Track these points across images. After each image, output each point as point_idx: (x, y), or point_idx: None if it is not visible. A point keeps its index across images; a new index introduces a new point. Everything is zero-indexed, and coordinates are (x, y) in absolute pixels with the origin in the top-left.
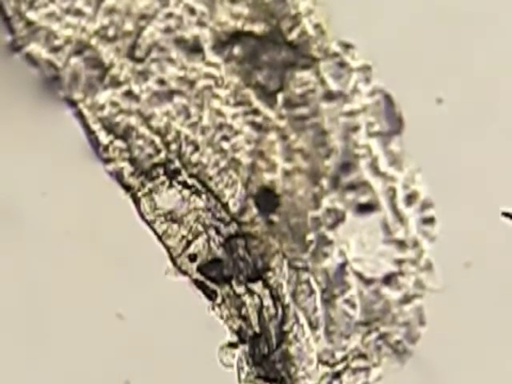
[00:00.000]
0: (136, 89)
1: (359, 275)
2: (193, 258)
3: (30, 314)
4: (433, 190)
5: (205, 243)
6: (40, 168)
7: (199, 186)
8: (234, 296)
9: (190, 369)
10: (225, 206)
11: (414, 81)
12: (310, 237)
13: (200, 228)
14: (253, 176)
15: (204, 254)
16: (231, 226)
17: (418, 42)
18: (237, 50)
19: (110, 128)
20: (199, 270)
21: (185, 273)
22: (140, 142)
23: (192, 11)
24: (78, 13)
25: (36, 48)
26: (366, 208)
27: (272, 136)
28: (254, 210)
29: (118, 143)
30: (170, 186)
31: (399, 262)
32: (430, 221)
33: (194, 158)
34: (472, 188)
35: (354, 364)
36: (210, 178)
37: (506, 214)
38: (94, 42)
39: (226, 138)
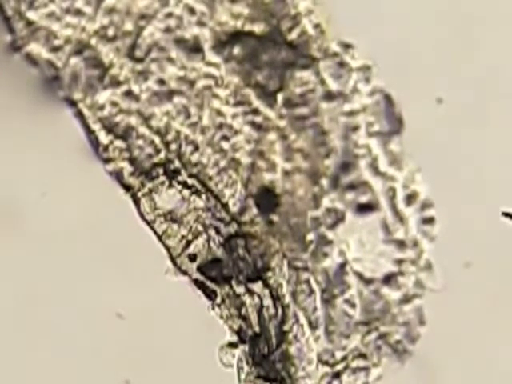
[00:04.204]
0: (136, 89)
1: (359, 275)
2: (193, 257)
3: (29, 313)
4: (433, 189)
5: (205, 243)
6: (40, 168)
7: (199, 186)
8: (234, 296)
9: (190, 369)
10: (225, 205)
11: (413, 81)
12: (310, 237)
13: (200, 228)
14: (253, 176)
15: (204, 253)
16: (231, 226)
17: (418, 42)
18: (237, 50)
19: (109, 128)
20: (199, 269)
21: (185, 273)
22: (140, 142)
23: (192, 11)
24: (78, 13)
25: (36, 48)
26: (365, 208)
27: (272, 136)
28: (254, 210)
29: (118, 143)
30: (170, 185)
31: (399, 261)
32: (429, 221)
33: (194, 157)
34: (472, 188)
35: (353, 364)
36: (210, 178)
37: (506, 214)
38: (93, 41)
39: (225, 138)
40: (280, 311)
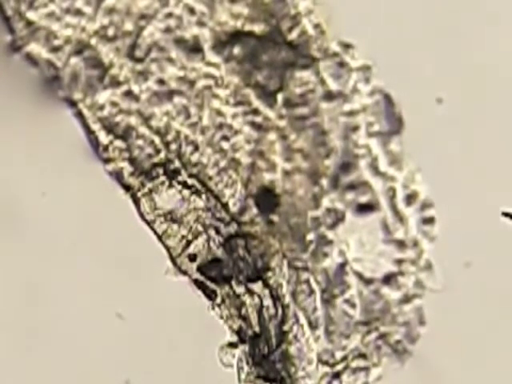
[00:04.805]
0: (136, 89)
1: (359, 275)
2: (193, 257)
3: (29, 314)
4: (433, 189)
5: (205, 243)
6: (40, 168)
7: (199, 186)
8: (234, 296)
9: (190, 369)
10: (225, 205)
11: (414, 81)
12: (310, 237)
13: (200, 228)
14: (253, 176)
15: (204, 253)
16: (231, 226)
17: (418, 42)
18: (237, 50)
19: (109, 128)
20: (199, 269)
21: (185, 273)
22: (140, 142)
23: (192, 11)
24: (78, 13)
25: (36, 48)
26: (365, 208)
27: (272, 136)
28: (254, 210)
29: (118, 143)
30: (170, 185)
31: (399, 261)
32: (429, 221)
33: (194, 157)
34: (472, 188)
35: (353, 364)
36: (210, 178)
37: (506, 214)
38: (93, 41)
39: (225, 138)
40: (280, 311)
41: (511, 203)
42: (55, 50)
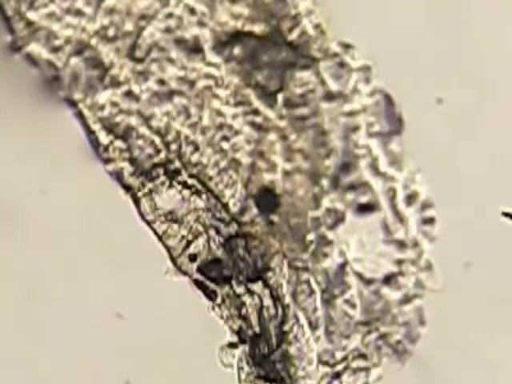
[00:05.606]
0: (136, 89)
1: (359, 275)
2: (193, 258)
3: (29, 313)
4: (433, 190)
5: (205, 243)
6: (40, 168)
7: (199, 186)
8: (234, 296)
9: (190, 369)
10: (225, 206)
11: (413, 81)
12: (310, 237)
13: (200, 228)
14: (253, 176)
15: (204, 254)
16: (231, 226)
17: (418, 42)
18: (237, 50)
19: (110, 128)
20: (199, 270)
21: (185, 273)
22: (140, 142)
23: (192, 11)
24: (78, 13)
25: (36, 48)
26: (365, 208)
27: (272, 136)
28: (254, 210)
29: (118, 143)
30: (170, 186)
31: (399, 262)
32: (430, 221)
33: (194, 158)
34: (472, 188)
35: (354, 364)
36: (210, 178)
37: (506, 214)
38: (94, 42)
39: (226, 138)
40: (280, 311)
41: (511, 203)
42: (55, 50)
